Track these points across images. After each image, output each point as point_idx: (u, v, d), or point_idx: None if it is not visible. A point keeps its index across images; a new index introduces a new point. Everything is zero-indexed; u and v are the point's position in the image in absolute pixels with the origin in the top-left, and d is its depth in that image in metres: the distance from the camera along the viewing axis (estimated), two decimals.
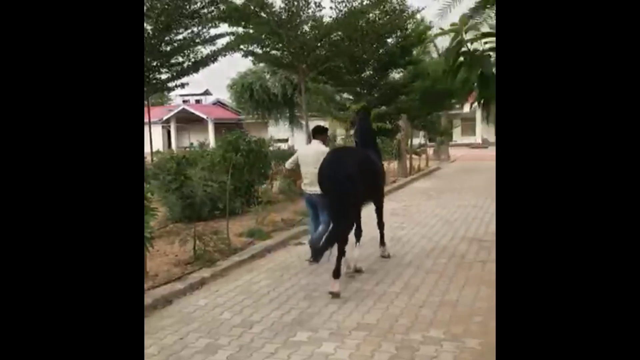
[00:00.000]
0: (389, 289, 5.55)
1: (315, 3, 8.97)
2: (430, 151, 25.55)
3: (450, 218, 9.82)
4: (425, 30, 14.56)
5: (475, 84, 2.73)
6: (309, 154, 6.62)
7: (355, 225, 6.25)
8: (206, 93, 53.85)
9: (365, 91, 14.00)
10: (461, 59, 2.69)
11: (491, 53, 2.56)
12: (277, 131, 39.42)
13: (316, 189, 6.19)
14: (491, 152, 36.52)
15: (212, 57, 7.79)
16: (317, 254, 6.18)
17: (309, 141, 8.56)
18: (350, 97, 14.80)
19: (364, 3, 9.29)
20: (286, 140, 35.07)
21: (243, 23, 8.23)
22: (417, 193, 13.59)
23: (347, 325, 4.54)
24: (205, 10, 6.17)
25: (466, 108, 41.88)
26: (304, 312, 4.92)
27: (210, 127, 43.73)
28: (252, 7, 7.63)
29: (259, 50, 9.60)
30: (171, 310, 5.08)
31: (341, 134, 24.99)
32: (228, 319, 4.79)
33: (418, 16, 13.12)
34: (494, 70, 2.47)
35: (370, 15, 9.66)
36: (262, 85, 36.76)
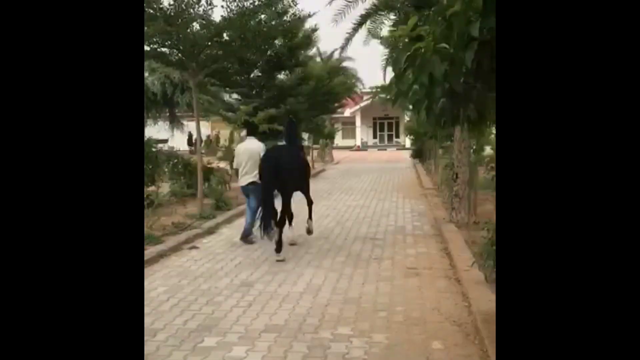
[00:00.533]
0: (292, 289, 5.57)
1: (206, 1, 8.76)
2: (315, 153, 26.08)
3: (341, 219, 10.07)
4: (312, 33, 14.84)
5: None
6: (250, 148, 7.81)
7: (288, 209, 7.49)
8: None
9: (254, 92, 13.95)
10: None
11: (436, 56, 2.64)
12: (156, 131, 37.97)
13: (250, 179, 7.74)
14: (370, 153, 38.07)
15: None
16: (265, 229, 7.10)
17: (244, 138, 9.45)
18: (239, 98, 14.67)
19: (256, 4, 9.22)
20: (166, 141, 33.85)
21: None
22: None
23: (255, 328, 4.49)
24: None
25: (347, 112, 43.45)
26: (208, 317, 4.79)
27: None
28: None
29: (146, 48, 9.17)
30: None
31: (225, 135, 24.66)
32: None
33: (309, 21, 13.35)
34: (442, 70, 2.55)
35: (263, 15, 9.62)
36: None
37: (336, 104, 23.20)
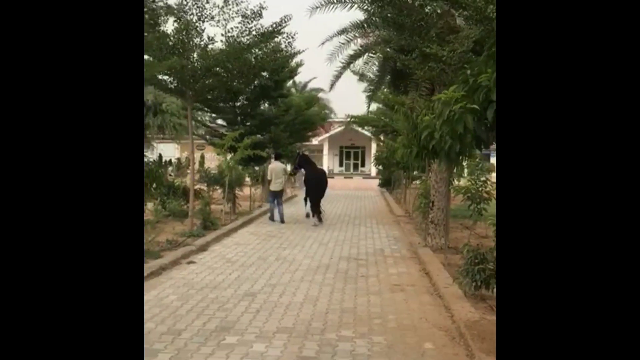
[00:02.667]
0: (293, 299, 6.21)
1: (208, 37, 9.47)
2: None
3: (322, 240, 10.76)
4: (297, 67, 15.71)
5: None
6: (277, 168, 13.38)
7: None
8: None
9: (239, 119, 14.64)
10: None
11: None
12: None
13: (277, 188, 13.24)
14: (337, 181, 38.89)
15: None
16: (308, 216, 13.83)
17: (272, 161, 14.32)
18: (224, 124, 15.32)
19: (254, 40, 9.99)
20: None
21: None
22: (285, 216, 14.39)
23: (268, 330, 5.11)
24: None
25: (314, 140, 44.42)
26: (223, 320, 5.38)
27: None
28: (148, 34, 7.88)
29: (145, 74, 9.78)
30: None
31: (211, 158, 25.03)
32: (153, 328, 5.09)
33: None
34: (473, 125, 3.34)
35: (259, 52, 10.39)
36: None
37: (310, 133, 24.06)
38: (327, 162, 48.80)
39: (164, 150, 39.38)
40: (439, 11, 5.72)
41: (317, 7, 8.64)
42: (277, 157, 14.03)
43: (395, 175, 21.92)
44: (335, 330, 5.14)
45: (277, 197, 13.44)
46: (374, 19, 7.66)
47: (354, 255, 9.13)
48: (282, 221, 13.24)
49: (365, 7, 7.27)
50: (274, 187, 13.31)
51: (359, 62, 11.22)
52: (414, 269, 8.05)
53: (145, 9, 6.90)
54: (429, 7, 5.63)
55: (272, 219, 13.56)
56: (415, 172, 16.21)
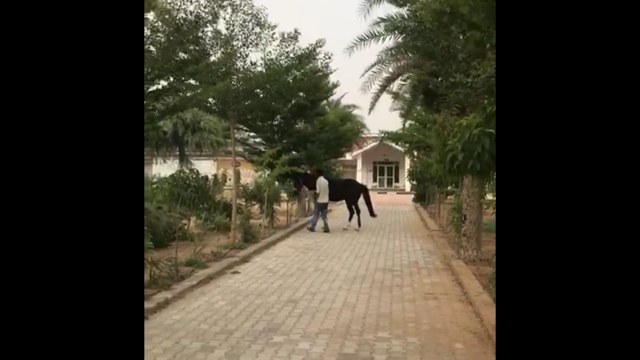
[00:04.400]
0: (332, 305, 6.68)
1: (251, 62, 10.15)
2: None
3: (359, 253, 11.20)
4: (333, 88, 16.34)
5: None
6: (323, 182, 14.84)
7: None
8: None
9: (277, 137, 15.30)
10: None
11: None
12: (164, 169, 39.25)
13: (324, 200, 14.80)
14: (372, 196, 39.17)
15: (181, 107, 8.57)
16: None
17: (317, 175, 15.53)
18: (262, 141, 16.02)
19: (291, 63, 10.63)
20: None
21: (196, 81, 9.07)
22: (321, 231, 14.89)
23: (311, 331, 5.60)
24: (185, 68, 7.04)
25: (348, 156, 44.94)
26: (270, 322, 5.89)
27: None
28: (196, 63, 8.48)
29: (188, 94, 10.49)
30: (153, 323, 5.79)
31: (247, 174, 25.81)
32: (207, 329, 5.63)
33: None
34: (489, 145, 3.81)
35: (296, 73, 11.03)
36: None
37: (344, 148, 24.58)
38: (361, 177, 49.19)
39: (201, 166, 40.41)
40: (464, 38, 6.18)
41: (353, 46, 9.31)
42: (321, 173, 15.62)
43: (429, 190, 22.23)
44: (372, 332, 5.59)
45: (323, 209, 14.92)
46: (404, 48, 8.22)
47: (389, 267, 9.55)
48: (327, 230, 14.62)
49: (397, 38, 7.84)
50: (321, 199, 14.86)
51: (394, 83, 11.80)
52: (447, 279, 8.42)
53: (196, 36, 7.54)
54: (455, 33, 6.10)
55: (312, 229, 14.68)
56: (449, 187, 16.57)
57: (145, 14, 6.53)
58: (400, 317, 6.19)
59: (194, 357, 4.79)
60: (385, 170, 51.58)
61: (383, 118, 19.89)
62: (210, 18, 7.70)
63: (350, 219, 15.61)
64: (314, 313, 6.30)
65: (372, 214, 16.11)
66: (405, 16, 7.69)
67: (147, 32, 6.71)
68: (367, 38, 9.28)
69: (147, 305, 6.26)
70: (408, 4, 7.57)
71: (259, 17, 9.95)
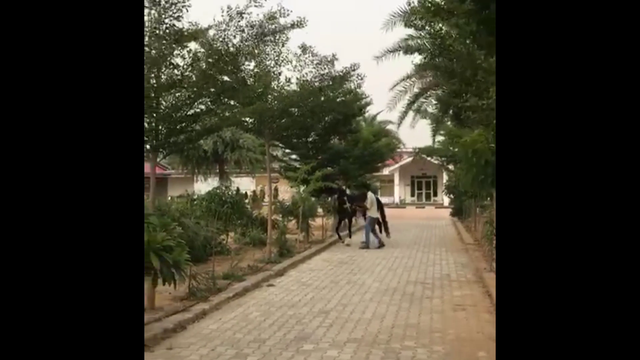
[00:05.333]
0: (362, 316, 6.91)
1: (285, 78, 10.56)
2: None
3: (392, 266, 11.38)
4: (366, 106, 16.67)
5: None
6: (371, 196, 15.28)
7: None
8: None
9: (311, 153, 15.69)
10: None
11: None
12: (204, 186, 40.25)
13: (375, 214, 15.09)
14: (408, 210, 39.13)
15: (218, 127, 9.05)
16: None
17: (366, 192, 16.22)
18: (297, 158, 16.44)
19: (325, 84, 11.02)
20: None
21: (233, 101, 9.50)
22: (355, 246, 15.10)
23: (340, 340, 5.83)
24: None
25: (386, 170, 45.03)
26: (301, 332, 6.16)
27: None
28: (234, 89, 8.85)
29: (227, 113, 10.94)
30: (191, 332, 6.14)
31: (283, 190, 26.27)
32: (241, 337, 5.93)
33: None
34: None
35: (330, 93, 11.43)
36: None
37: (379, 164, 24.75)
38: (399, 192, 49.14)
39: (240, 183, 41.21)
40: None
41: (380, 56, 9.65)
42: (368, 188, 17.33)
43: (466, 204, 22.15)
44: (399, 341, 5.79)
45: (374, 224, 15.05)
46: (425, 67, 8.49)
47: (420, 280, 9.70)
48: (382, 245, 14.69)
49: (420, 55, 8.12)
50: (373, 214, 15.14)
51: (420, 99, 12.07)
52: (478, 292, 8.52)
53: (236, 67, 7.98)
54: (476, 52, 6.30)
55: (366, 246, 14.64)
56: (486, 201, 16.55)
57: (188, 43, 7.00)
58: (427, 327, 6.37)
59: None
60: (423, 185, 51.34)
61: (419, 132, 20.02)
62: (250, 50, 8.15)
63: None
64: (343, 323, 6.53)
65: (387, 232, 15.77)
66: (422, 36, 8.01)
67: (188, 60, 7.17)
68: (386, 54, 9.65)
69: (186, 315, 6.63)
70: (426, 27, 7.86)
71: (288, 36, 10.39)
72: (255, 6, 7.98)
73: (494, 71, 4.00)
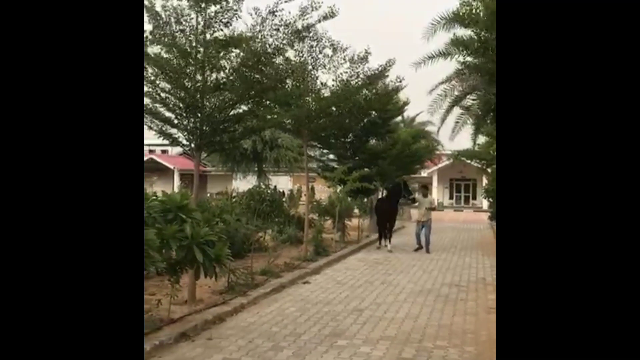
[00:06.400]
0: (396, 315, 7.03)
1: (321, 82, 10.75)
2: None
3: (427, 268, 11.43)
4: (403, 106, 16.72)
5: None
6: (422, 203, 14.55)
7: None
8: (173, 143, 54.85)
9: (349, 154, 15.84)
10: None
11: None
12: (242, 183, 40.87)
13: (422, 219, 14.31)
14: (447, 214, 38.76)
15: (259, 128, 9.32)
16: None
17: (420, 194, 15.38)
18: (335, 158, 16.63)
19: (362, 83, 11.15)
20: None
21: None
22: (393, 247, 15.15)
23: (373, 337, 5.98)
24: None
25: (424, 172, 44.74)
26: (335, 328, 6.33)
27: (177, 176, 44.65)
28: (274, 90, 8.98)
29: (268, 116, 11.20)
30: (229, 324, 6.39)
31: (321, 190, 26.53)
32: (278, 331, 6.14)
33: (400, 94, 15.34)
34: None
35: (366, 92, 11.56)
36: None
37: (417, 165, 24.70)
38: (437, 194, 48.68)
39: (278, 182, 41.62)
40: None
41: (419, 63, 9.78)
42: (426, 188, 16.21)
43: None
44: (431, 340, 5.89)
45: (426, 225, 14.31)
46: (467, 69, 8.56)
47: (455, 282, 9.73)
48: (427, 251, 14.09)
49: (459, 57, 8.19)
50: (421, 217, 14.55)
51: (462, 102, 12.10)
52: None
53: (274, 66, 8.21)
54: None
55: (427, 250, 14.14)
56: None
57: (233, 48, 7.27)
58: (460, 328, 6.45)
59: (264, 355, 5.31)
60: (462, 188, 50.73)
61: (459, 134, 19.91)
62: (286, 50, 8.37)
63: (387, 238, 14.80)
64: (377, 321, 6.67)
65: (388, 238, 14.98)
66: (468, 37, 8.06)
67: (234, 64, 7.45)
68: (434, 56, 9.72)
69: (225, 308, 6.89)
70: (473, 26, 7.91)
71: (328, 41, 10.57)
72: (285, 1, 8.16)
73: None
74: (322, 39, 10.39)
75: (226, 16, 7.15)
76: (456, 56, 8.74)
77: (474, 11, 8.10)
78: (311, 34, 9.88)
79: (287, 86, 9.25)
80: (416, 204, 15.10)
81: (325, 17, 9.55)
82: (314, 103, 11.25)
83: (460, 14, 8.28)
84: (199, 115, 7.28)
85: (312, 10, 8.94)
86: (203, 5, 7.12)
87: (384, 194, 16.73)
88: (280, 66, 8.80)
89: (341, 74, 11.44)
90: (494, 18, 6.60)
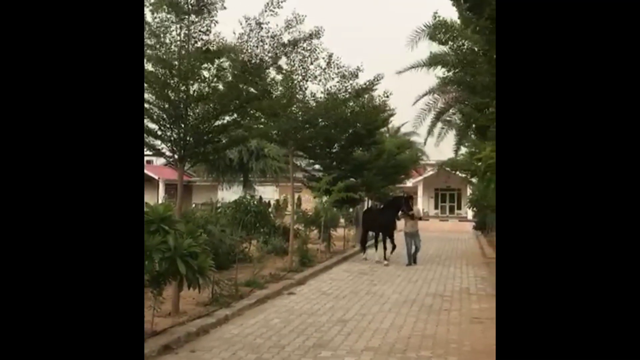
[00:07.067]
0: (380, 326, 7.04)
1: (311, 93, 10.81)
2: None
3: (412, 278, 11.46)
4: (389, 117, 16.82)
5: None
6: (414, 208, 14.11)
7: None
8: (156, 154, 54.54)
9: (334, 164, 15.88)
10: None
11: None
12: (228, 194, 40.71)
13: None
14: (432, 224, 38.89)
15: (244, 139, 9.32)
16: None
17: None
18: (321, 168, 16.65)
19: (347, 96, 11.24)
20: None
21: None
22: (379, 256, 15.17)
23: (357, 348, 5.98)
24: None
25: (409, 182, 44.95)
26: (319, 339, 6.32)
27: (162, 187, 44.38)
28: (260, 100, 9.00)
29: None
30: (213, 336, 6.35)
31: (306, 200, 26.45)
32: (262, 343, 6.12)
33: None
34: None
35: (354, 106, 11.65)
36: None
37: (402, 176, 24.81)
38: (422, 204, 48.84)
39: (264, 192, 41.47)
40: None
41: (401, 72, 9.90)
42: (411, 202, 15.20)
43: (489, 218, 22.07)
44: (415, 350, 5.91)
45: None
46: (449, 82, 8.69)
47: (440, 292, 9.77)
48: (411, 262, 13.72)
49: (442, 69, 8.33)
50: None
51: (446, 114, 12.27)
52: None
53: (260, 77, 8.23)
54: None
55: (414, 261, 13.81)
56: None
57: (216, 58, 7.28)
58: (444, 338, 6.47)
59: None
60: (447, 198, 50.98)
61: (443, 144, 20.07)
62: (272, 62, 8.40)
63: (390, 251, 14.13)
64: (361, 332, 6.68)
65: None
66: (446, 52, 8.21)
67: (214, 72, 7.46)
68: (417, 66, 9.89)
69: (209, 320, 6.85)
70: (450, 42, 8.06)
71: (318, 52, 10.63)
72: (271, 14, 8.21)
73: None
74: (315, 50, 10.46)
75: (204, 24, 7.17)
76: (438, 68, 8.89)
77: (448, 29, 8.27)
78: (304, 45, 9.94)
79: (274, 96, 9.26)
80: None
81: (310, 36, 9.63)
82: (301, 114, 11.30)
83: (436, 33, 8.46)
84: (183, 126, 7.27)
85: (297, 24, 9.00)
86: (184, 16, 7.14)
87: (379, 205, 16.46)
88: (268, 77, 8.83)
89: (331, 87, 11.56)
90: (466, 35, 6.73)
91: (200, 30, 7.33)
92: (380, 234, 14.47)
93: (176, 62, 7.11)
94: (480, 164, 6.15)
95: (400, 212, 13.92)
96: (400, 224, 14.52)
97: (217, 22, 7.36)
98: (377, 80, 12.14)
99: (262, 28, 8.25)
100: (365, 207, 18.55)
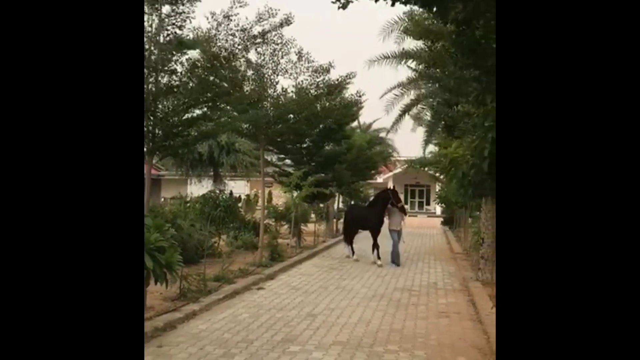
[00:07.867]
0: (348, 320, 7.08)
1: (282, 88, 10.77)
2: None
3: (380, 273, 11.56)
4: (358, 111, 16.87)
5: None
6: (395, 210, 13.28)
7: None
8: None
9: (304, 159, 15.89)
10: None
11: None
12: (198, 188, 40.34)
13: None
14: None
15: (214, 133, 9.21)
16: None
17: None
18: (291, 163, 16.65)
19: (319, 92, 11.24)
20: None
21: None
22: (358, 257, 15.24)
23: (325, 342, 6.01)
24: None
25: (379, 178, 45.26)
26: (288, 334, 6.33)
27: None
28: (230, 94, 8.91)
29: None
30: (180, 332, 6.30)
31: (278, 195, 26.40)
32: (230, 338, 6.10)
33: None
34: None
35: (326, 102, 11.66)
36: None
37: (373, 171, 24.99)
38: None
39: (234, 187, 41.21)
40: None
41: (373, 61, 9.89)
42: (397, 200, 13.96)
43: (457, 213, 22.39)
44: (382, 345, 5.97)
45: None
46: (420, 76, 8.77)
47: (408, 287, 9.88)
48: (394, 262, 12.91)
49: (414, 65, 8.39)
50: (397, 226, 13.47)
51: (415, 108, 12.33)
52: (462, 300, 8.71)
53: (230, 70, 8.16)
54: (465, 72, 6.54)
55: (397, 263, 12.92)
56: (477, 212, 16.78)
57: (187, 51, 7.20)
58: (411, 332, 6.55)
59: None
60: (417, 194, 51.60)
61: (414, 140, 20.27)
62: (242, 54, 8.34)
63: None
64: (330, 327, 6.71)
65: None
66: (419, 48, 8.29)
67: (186, 66, 7.37)
68: (388, 57, 9.94)
69: (176, 315, 6.79)
70: (423, 39, 8.12)
71: (289, 46, 10.60)
72: (240, 6, 8.14)
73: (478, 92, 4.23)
74: (286, 44, 10.41)
75: (179, 19, 7.08)
76: (409, 62, 8.94)
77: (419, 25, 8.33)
78: (275, 37, 9.88)
79: (245, 90, 9.20)
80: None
81: (281, 24, 9.58)
82: (272, 109, 11.25)
83: (407, 27, 8.51)
84: (152, 118, 7.17)
85: (270, 17, 8.95)
86: (157, 5, 7.03)
87: (367, 202, 16.07)
88: (239, 70, 8.77)
89: (302, 81, 11.51)
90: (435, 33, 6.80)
91: (174, 24, 7.22)
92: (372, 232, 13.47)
93: (145, 53, 7.00)
94: (444, 160, 6.25)
95: (390, 206, 13.17)
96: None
97: (193, 17, 7.29)
98: (350, 77, 12.17)
99: (231, 21, 8.19)
100: (340, 205, 18.57)
